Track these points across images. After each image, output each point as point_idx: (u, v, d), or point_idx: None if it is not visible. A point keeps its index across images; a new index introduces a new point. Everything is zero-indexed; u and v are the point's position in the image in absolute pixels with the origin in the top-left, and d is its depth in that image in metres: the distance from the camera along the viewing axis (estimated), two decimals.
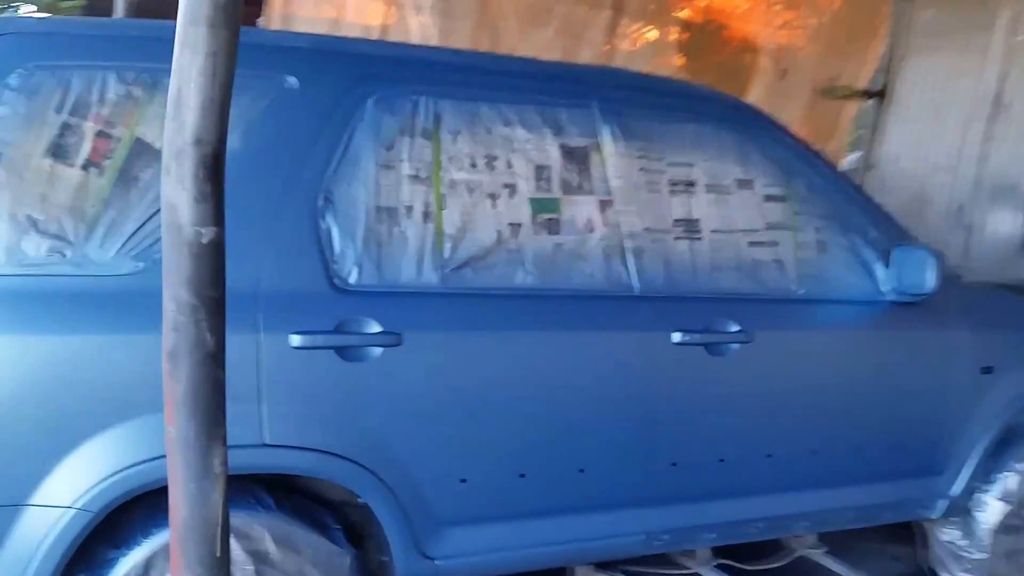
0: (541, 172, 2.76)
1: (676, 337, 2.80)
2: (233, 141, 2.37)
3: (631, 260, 2.82)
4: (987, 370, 3.37)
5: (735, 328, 2.91)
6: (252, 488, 2.38)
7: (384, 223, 2.52)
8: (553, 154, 2.78)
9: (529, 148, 2.75)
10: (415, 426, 2.49)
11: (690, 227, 2.95)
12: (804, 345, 3.07)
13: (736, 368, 2.92)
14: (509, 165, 2.72)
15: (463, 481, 2.58)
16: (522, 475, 2.66)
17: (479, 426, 2.58)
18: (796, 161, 3.15)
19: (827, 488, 3.18)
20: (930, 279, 3.05)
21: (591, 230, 2.80)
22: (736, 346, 2.91)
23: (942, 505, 3.42)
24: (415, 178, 2.58)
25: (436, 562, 2.60)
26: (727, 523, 3.04)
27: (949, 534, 3.59)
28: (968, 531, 3.53)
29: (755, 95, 6.96)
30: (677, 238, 2.92)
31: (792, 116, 7.05)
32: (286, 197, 2.41)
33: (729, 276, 2.98)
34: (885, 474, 3.28)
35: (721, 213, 3.00)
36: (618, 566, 3.16)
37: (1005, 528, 3.51)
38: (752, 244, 3.04)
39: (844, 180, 3.25)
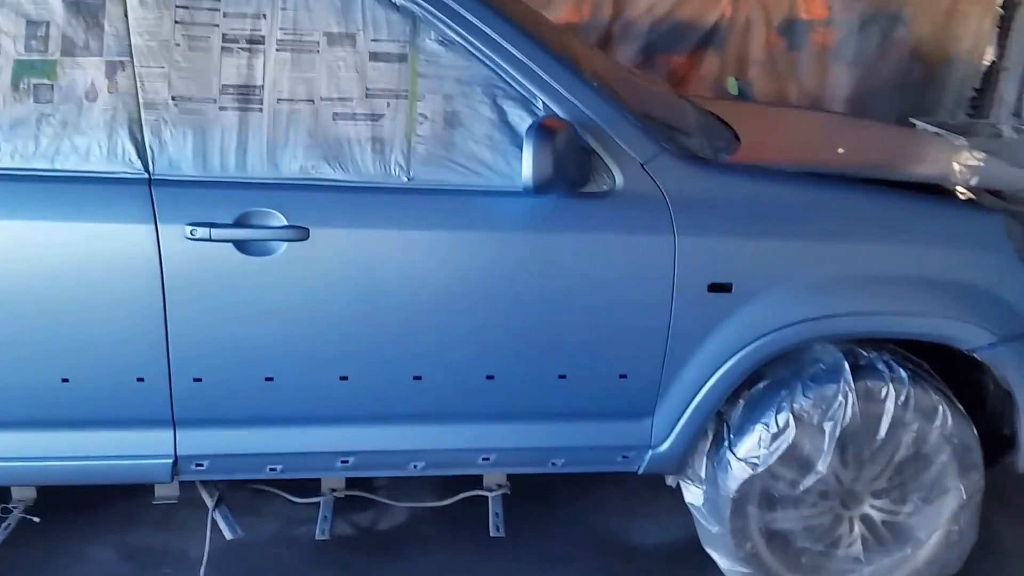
0: (35, 29, 2.36)
1: (188, 231, 2.34)
2: None
3: (148, 136, 2.37)
4: (719, 288, 2.51)
5: (279, 223, 2.37)
6: None
7: None
8: (53, 7, 2.35)
9: (21, 1, 2.35)
10: None
11: (246, 95, 2.39)
12: (394, 245, 2.42)
13: (282, 272, 2.40)
14: None
15: None
16: None
17: None
18: (432, 8, 2.43)
19: (442, 424, 2.59)
20: (525, 171, 2.28)
21: (93, 98, 2.36)
22: (283, 245, 2.38)
23: (648, 457, 2.68)
24: None
25: None
26: (291, 455, 2.58)
27: (692, 495, 2.82)
28: (709, 496, 2.75)
29: None
30: (223, 108, 2.40)
31: None
32: None
33: (294, 158, 2.40)
34: (540, 413, 2.61)
35: (298, 77, 2.41)
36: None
37: (757, 499, 2.69)
38: (339, 117, 2.43)
39: (509, 27, 2.46)
